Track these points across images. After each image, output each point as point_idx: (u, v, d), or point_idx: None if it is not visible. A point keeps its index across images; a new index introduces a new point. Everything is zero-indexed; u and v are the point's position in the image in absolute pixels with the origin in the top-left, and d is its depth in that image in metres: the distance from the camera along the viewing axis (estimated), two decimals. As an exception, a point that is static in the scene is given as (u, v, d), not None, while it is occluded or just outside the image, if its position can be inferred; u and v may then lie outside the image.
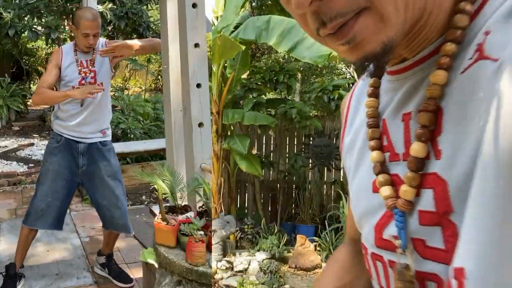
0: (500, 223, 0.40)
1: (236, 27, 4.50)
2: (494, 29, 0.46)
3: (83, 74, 2.82)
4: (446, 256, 0.50)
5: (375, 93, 0.62)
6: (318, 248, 3.96)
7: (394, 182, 0.56)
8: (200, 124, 2.59)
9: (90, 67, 2.84)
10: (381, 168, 0.57)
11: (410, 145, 0.53)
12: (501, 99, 0.40)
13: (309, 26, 0.50)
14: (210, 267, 2.04)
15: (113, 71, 3.05)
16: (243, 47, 4.10)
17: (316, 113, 5.26)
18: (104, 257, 3.19)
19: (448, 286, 0.47)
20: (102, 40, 2.91)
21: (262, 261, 3.88)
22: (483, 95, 0.44)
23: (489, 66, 0.44)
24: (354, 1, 0.46)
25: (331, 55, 3.82)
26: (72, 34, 7.30)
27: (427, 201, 0.51)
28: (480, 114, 0.44)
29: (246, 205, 5.14)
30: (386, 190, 0.56)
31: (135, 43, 2.89)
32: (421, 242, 0.53)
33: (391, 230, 0.56)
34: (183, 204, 2.40)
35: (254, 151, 5.11)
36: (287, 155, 5.21)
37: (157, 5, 7.84)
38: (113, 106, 7.62)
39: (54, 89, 3.02)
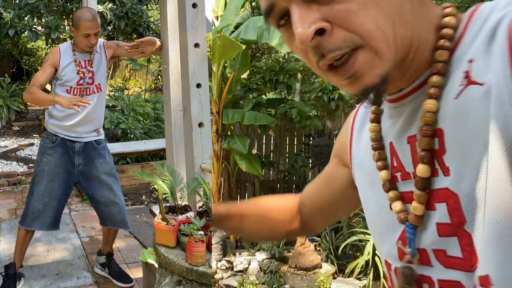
0: None
1: (236, 27, 4.50)
2: (477, 56, 0.53)
3: (81, 74, 2.81)
4: (464, 263, 0.56)
5: (377, 119, 0.69)
6: (318, 248, 3.96)
7: (408, 198, 0.62)
8: (200, 124, 2.59)
9: (89, 67, 2.83)
10: (390, 185, 0.64)
11: (418, 164, 0.59)
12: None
13: (310, 59, 0.57)
14: (210, 267, 2.04)
15: (108, 71, 3.04)
16: (244, 47, 4.10)
17: (316, 113, 5.27)
18: (104, 256, 3.19)
19: None
20: (100, 40, 2.90)
21: (262, 261, 3.88)
22: (477, 116, 0.51)
23: (478, 90, 0.51)
24: (350, 38, 0.53)
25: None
26: (72, 34, 7.33)
27: (442, 214, 0.57)
28: (478, 133, 0.51)
29: (246, 205, 5.14)
30: (397, 205, 0.63)
31: (157, 41, 2.86)
32: (442, 252, 0.58)
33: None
34: (183, 204, 2.39)
35: (254, 151, 5.11)
36: (287, 155, 5.21)
37: (157, 5, 7.85)
38: (113, 106, 7.63)
39: (50, 87, 3.01)
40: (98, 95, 2.88)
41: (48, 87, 3.18)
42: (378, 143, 0.67)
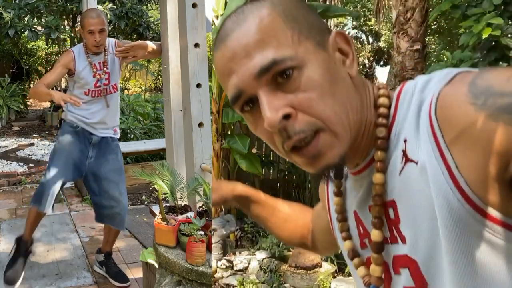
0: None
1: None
2: (409, 136, 0.61)
3: (98, 77, 2.88)
4: None
5: (339, 193, 0.76)
6: (318, 248, 3.96)
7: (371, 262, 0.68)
8: (200, 124, 2.59)
9: (104, 68, 2.90)
10: (353, 254, 0.72)
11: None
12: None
13: (275, 143, 0.64)
14: (210, 267, 2.04)
15: (121, 70, 3.09)
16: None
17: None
18: (103, 255, 3.19)
19: None
20: (111, 41, 2.95)
21: (262, 260, 3.88)
22: (418, 191, 0.59)
23: (414, 167, 0.59)
24: (312, 122, 0.60)
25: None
26: (72, 34, 7.33)
27: (406, 278, 0.62)
28: (422, 206, 0.58)
29: (246, 205, 5.15)
30: (361, 270, 0.70)
31: (150, 44, 2.91)
32: None
33: None
34: (183, 204, 2.40)
35: (254, 150, 5.11)
36: (287, 155, 5.20)
37: (157, 5, 7.84)
38: (113, 106, 7.62)
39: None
40: (115, 95, 2.97)
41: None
42: (342, 216, 0.75)
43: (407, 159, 0.61)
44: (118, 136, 3.08)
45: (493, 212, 0.53)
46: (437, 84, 0.58)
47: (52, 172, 2.87)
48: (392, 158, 0.63)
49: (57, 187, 2.86)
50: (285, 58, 0.60)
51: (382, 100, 0.66)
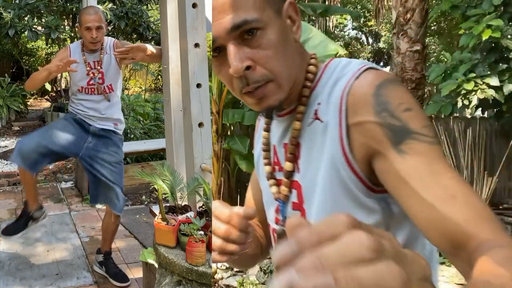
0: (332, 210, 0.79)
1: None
2: (322, 101, 0.82)
3: (91, 75, 2.89)
4: None
5: (267, 129, 0.96)
6: (318, 248, 3.96)
7: (280, 183, 0.91)
8: (200, 124, 2.59)
9: (98, 67, 2.90)
10: (270, 176, 0.94)
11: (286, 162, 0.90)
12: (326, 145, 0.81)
13: (233, 85, 0.81)
14: (210, 267, 2.04)
15: (120, 72, 3.07)
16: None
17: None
18: (102, 255, 3.19)
19: None
20: (110, 40, 2.94)
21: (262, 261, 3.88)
22: (317, 141, 0.82)
23: (320, 125, 0.82)
24: (265, 74, 0.78)
25: (338, 54, 3.85)
26: (72, 34, 7.33)
27: (294, 196, 0.89)
28: (317, 152, 0.82)
29: (246, 205, 5.14)
30: (273, 189, 0.93)
31: (149, 48, 2.91)
32: None
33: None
34: (183, 204, 2.40)
35: (254, 151, 5.10)
36: (287, 155, 5.21)
37: (157, 5, 7.84)
38: (113, 106, 7.61)
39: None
40: (111, 95, 2.95)
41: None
42: (267, 147, 0.96)
43: (316, 117, 0.83)
44: (120, 130, 3.05)
45: (360, 173, 0.77)
46: (354, 69, 0.79)
47: (37, 133, 2.94)
48: (307, 112, 0.85)
49: (33, 145, 2.80)
50: (254, 19, 0.76)
51: (311, 68, 0.86)
